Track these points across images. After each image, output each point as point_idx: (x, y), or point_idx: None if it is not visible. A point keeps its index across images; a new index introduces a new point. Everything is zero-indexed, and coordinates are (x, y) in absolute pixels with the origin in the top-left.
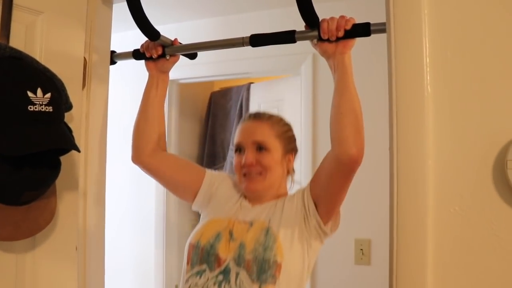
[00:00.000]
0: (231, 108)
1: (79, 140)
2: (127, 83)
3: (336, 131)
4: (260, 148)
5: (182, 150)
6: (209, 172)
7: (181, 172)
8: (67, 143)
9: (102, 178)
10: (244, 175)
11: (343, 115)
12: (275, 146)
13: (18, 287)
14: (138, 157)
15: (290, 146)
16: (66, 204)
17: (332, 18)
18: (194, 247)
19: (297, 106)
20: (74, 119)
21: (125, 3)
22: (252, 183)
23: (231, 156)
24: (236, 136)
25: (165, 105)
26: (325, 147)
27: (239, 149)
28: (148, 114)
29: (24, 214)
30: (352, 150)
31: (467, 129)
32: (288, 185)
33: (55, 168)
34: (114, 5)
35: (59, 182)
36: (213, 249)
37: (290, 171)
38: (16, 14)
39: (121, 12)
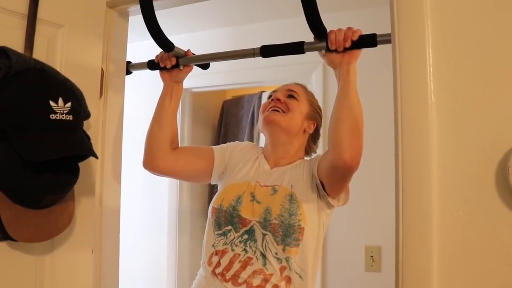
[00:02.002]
0: (243, 116)
1: (96, 147)
2: (142, 93)
3: (333, 135)
4: (291, 96)
5: None
6: (216, 149)
7: (191, 163)
8: (86, 149)
9: (117, 183)
10: (268, 110)
11: (341, 121)
12: (304, 103)
13: (38, 286)
14: (150, 163)
15: (315, 114)
16: (83, 208)
17: (339, 30)
18: (217, 210)
19: None
20: (91, 127)
21: (141, 15)
22: (273, 114)
23: None
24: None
25: (178, 113)
26: None
27: (271, 96)
28: (162, 121)
29: (45, 217)
30: (345, 155)
31: (469, 136)
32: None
33: (74, 173)
34: (130, 17)
35: (77, 187)
36: (236, 211)
37: (308, 140)
38: (39, 28)
39: (136, 23)
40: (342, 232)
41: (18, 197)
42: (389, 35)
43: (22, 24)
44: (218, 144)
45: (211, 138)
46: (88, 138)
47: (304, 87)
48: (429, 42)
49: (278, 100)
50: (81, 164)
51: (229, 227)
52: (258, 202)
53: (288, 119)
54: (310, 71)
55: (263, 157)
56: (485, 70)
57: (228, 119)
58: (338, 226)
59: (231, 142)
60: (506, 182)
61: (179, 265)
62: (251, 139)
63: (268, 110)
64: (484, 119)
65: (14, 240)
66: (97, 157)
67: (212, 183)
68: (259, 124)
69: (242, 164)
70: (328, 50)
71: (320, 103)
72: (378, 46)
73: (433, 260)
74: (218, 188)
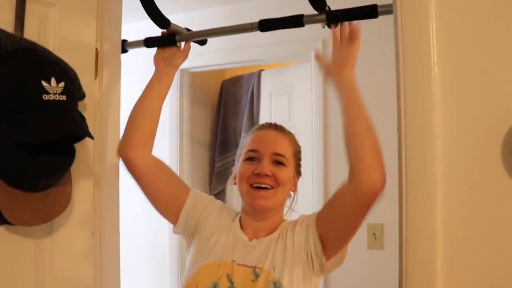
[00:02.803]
0: (242, 96)
1: (92, 128)
2: (139, 76)
3: (357, 161)
4: (278, 162)
5: (194, 138)
6: (193, 191)
7: (166, 180)
8: (81, 130)
9: (116, 166)
10: (253, 186)
11: (363, 144)
12: (291, 164)
13: (38, 270)
14: (125, 149)
15: (299, 168)
16: (81, 191)
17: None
18: None
19: (308, 92)
20: (87, 108)
21: None
22: (263, 199)
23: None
24: (250, 142)
25: (177, 93)
26: (336, 132)
27: (252, 157)
28: (144, 106)
29: (42, 200)
30: (376, 178)
31: (475, 109)
32: (285, 211)
33: (70, 155)
34: None
35: (74, 170)
36: None
37: (291, 195)
38: (29, 7)
39: (132, 3)
40: None
41: (14, 180)
42: (390, 5)
43: (12, 3)
44: (218, 125)
45: (211, 118)
46: (84, 118)
47: (287, 135)
48: (433, 12)
49: (267, 175)
50: (77, 146)
51: None
52: None
53: (278, 196)
54: (310, 48)
55: (238, 225)
56: (491, 41)
57: (227, 99)
58: None
59: (205, 195)
60: None
61: (181, 246)
62: (251, 118)
63: (253, 187)
64: (490, 91)
65: (11, 224)
66: (92, 138)
67: (175, 230)
68: (241, 192)
69: (216, 236)
70: (328, 24)
71: (321, 81)
72: (379, 17)
73: (438, 236)
74: (188, 256)
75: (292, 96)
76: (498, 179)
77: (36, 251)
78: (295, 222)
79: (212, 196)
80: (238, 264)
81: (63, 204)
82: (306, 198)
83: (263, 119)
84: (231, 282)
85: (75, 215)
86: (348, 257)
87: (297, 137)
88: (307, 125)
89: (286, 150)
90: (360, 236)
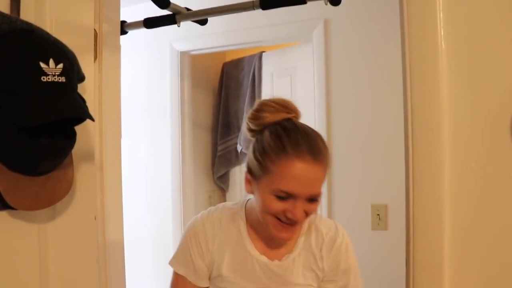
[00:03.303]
0: (243, 78)
1: (93, 111)
2: (140, 60)
3: None
4: (312, 199)
5: (196, 121)
6: (193, 275)
7: None
8: (81, 112)
9: (118, 149)
10: (280, 222)
11: None
12: (322, 192)
13: (42, 254)
14: None
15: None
16: (83, 175)
17: None
18: None
19: (310, 73)
20: (87, 91)
21: None
22: (289, 233)
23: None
24: (285, 178)
25: (177, 77)
26: (338, 112)
27: (285, 196)
28: None
29: (43, 185)
30: None
31: (482, 84)
32: None
33: (71, 138)
34: None
35: (75, 153)
36: None
37: None
38: None
39: None
40: (349, 191)
41: (14, 164)
42: None
43: None
44: (219, 108)
45: (212, 101)
46: (84, 101)
47: (325, 164)
48: None
49: (302, 220)
50: (78, 129)
51: None
52: None
53: (305, 222)
54: (311, 29)
55: (249, 241)
56: (499, 15)
57: (229, 81)
58: (344, 185)
59: (198, 235)
60: None
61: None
62: (253, 100)
63: (280, 222)
64: (497, 65)
65: (14, 209)
66: (93, 120)
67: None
68: (262, 219)
69: (237, 263)
70: (330, 1)
71: (323, 61)
72: None
73: (445, 213)
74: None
75: (294, 78)
76: (506, 154)
77: (40, 236)
78: (317, 238)
79: (200, 223)
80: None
81: (65, 188)
82: None
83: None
84: None
85: (77, 200)
86: (353, 238)
87: (300, 119)
88: (309, 106)
89: (322, 183)
90: (365, 217)
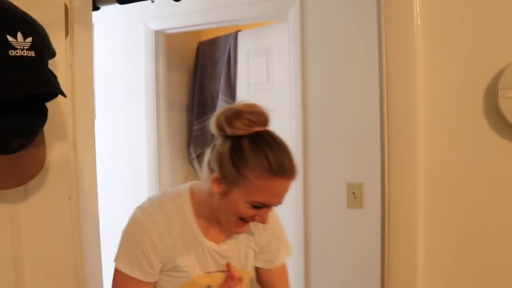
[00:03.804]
0: (219, 58)
1: (65, 88)
2: (115, 39)
3: None
4: None
5: (171, 101)
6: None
7: None
8: (53, 87)
9: (91, 128)
10: (243, 221)
11: None
12: None
13: (14, 234)
14: None
15: None
16: (56, 153)
17: None
18: None
19: (286, 52)
20: (58, 67)
21: None
22: (245, 228)
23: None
24: (268, 194)
25: (152, 56)
26: (314, 92)
27: (261, 206)
28: None
29: (14, 163)
30: None
31: (457, 59)
32: None
33: (42, 115)
34: None
35: (47, 131)
36: None
37: None
38: None
39: None
40: (324, 170)
41: None
42: None
43: None
44: (194, 88)
45: (187, 81)
46: (55, 77)
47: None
48: None
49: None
50: (49, 107)
51: None
52: None
53: None
54: (287, 7)
55: (198, 230)
56: None
57: (204, 61)
58: (319, 164)
59: (145, 236)
60: (495, 105)
61: None
62: (228, 80)
63: (240, 221)
64: (472, 41)
65: None
66: (65, 96)
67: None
68: (223, 218)
69: (184, 258)
70: None
71: (298, 40)
72: None
73: (420, 189)
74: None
75: (270, 57)
76: (480, 130)
77: (12, 216)
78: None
79: (148, 224)
80: (215, 272)
81: (37, 167)
82: None
83: (241, 80)
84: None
85: (50, 179)
86: (328, 216)
87: (276, 98)
88: (285, 85)
89: None
90: (340, 195)
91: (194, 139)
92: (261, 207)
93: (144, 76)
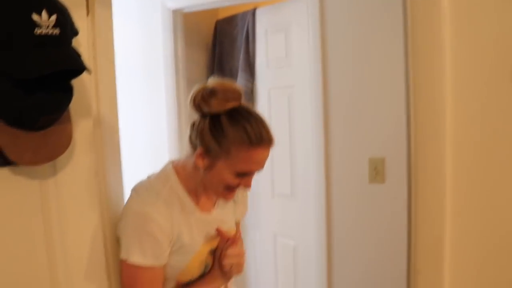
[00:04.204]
0: (237, 35)
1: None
2: (133, 19)
3: None
4: None
5: (190, 79)
6: (159, 258)
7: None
8: (78, 64)
9: (114, 105)
10: (230, 190)
11: None
12: None
13: (44, 209)
14: None
15: None
16: (82, 130)
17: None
18: (187, 282)
19: (305, 28)
20: (81, 45)
21: None
22: (233, 195)
23: (242, 81)
24: (249, 163)
25: (170, 35)
26: (334, 67)
27: (245, 174)
28: None
29: (42, 140)
30: None
31: (485, 29)
32: None
33: (68, 92)
34: None
35: (73, 108)
36: (206, 270)
37: None
38: None
39: None
40: (346, 145)
41: (12, 119)
42: None
43: None
44: (213, 66)
45: (206, 59)
46: (79, 55)
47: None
48: None
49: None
50: (74, 84)
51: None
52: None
53: None
54: None
55: (192, 206)
56: None
57: (222, 38)
58: (341, 139)
59: (153, 224)
60: None
61: None
62: (247, 57)
63: (228, 190)
64: (501, 10)
65: (15, 165)
66: (90, 72)
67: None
68: (212, 186)
69: (190, 232)
70: None
71: (318, 17)
72: None
73: (447, 161)
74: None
75: (289, 33)
76: (507, 101)
77: (42, 192)
78: None
79: (159, 204)
80: (211, 237)
81: (64, 143)
82: (305, 132)
83: (259, 57)
84: (212, 252)
85: (77, 155)
86: (350, 191)
87: (295, 74)
88: (304, 61)
89: None
90: (362, 170)
91: None
92: (245, 175)
93: (163, 55)
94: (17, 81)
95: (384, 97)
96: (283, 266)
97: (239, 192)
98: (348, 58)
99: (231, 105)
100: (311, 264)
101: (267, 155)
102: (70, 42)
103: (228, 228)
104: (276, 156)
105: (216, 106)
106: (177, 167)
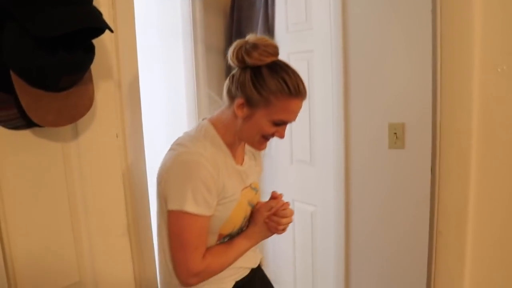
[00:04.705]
0: (255, 0)
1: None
2: None
3: None
4: None
5: (209, 44)
6: (208, 208)
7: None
8: (100, 22)
9: (135, 68)
10: (265, 139)
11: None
12: None
13: (67, 171)
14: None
15: None
16: (102, 91)
17: None
18: (228, 235)
19: None
20: (101, 6)
21: None
22: (266, 145)
23: None
24: (287, 112)
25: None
26: (355, 31)
27: (281, 123)
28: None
29: (65, 101)
30: None
31: None
32: None
33: (90, 51)
34: None
35: (94, 69)
36: (244, 222)
37: None
38: None
39: None
40: (365, 110)
41: (35, 79)
42: None
43: None
44: (232, 31)
45: (224, 24)
46: (100, 14)
47: None
48: None
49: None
50: (96, 45)
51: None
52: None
53: None
54: None
55: (231, 158)
56: None
57: (241, 3)
58: (361, 104)
59: (203, 168)
60: None
61: None
62: (266, 22)
63: (263, 138)
64: None
65: (38, 127)
66: (111, 31)
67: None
68: (247, 137)
69: (231, 181)
70: None
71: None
72: None
73: (473, 118)
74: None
75: (310, 2)
76: None
77: (64, 153)
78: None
79: (202, 164)
80: (245, 187)
81: (86, 104)
82: (325, 96)
83: (279, 21)
84: (250, 204)
85: (98, 117)
86: (370, 157)
87: (315, 38)
88: (324, 25)
89: None
90: (381, 136)
91: None
92: (281, 124)
93: (181, 20)
94: (39, 39)
95: (405, 63)
96: (301, 231)
97: (256, 154)
98: (370, 22)
99: (271, 58)
100: (329, 230)
101: (301, 107)
102: (92, 1)
103: (252, 181)
104: (295, 122)
105: (257, 58)
106: (213, 122)
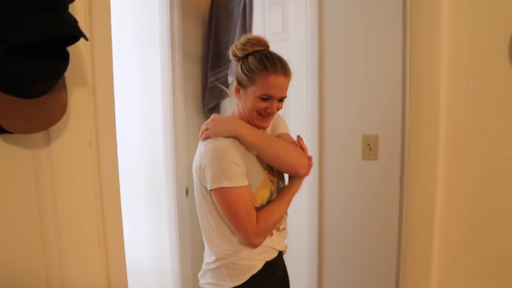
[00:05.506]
0: (234, 8)
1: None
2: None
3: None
4: (281, 100)
5: (186, 52)
6: (245, 180)
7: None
8: (75, 30)
9: (110, 75)
10: (262, 116)
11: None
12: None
13: (38, 179)
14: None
15: None
16: (76, 99)
17: None
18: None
19: (302, 3)
20: (77, 13)
21: None
22: (268, 122)
23: None
24: (265, 87)
25: (167, 7)
26: (330, 42)
27: (267, 98)
28: None
29: (37, 108)
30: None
31: (483, 4)
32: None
33: (64, 58)
34: None
35: (68, 76)
36: (272, 196)
37: None
38: None
39: None
40: (340, 121)
41: (7, 86)
42: None
43: None
44: (209, 39)
45: (202, 32)
46: (76, 21)
47: (290, 77)
48: None
49: (275, 112)
50: (70, 53)
51: None
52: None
53: (274, 116)
54: None
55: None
56: None
57: (219, 11)
58: (335, 115)
59: (231, 153)
60: None
61: (175, 150)
62: (244, 31)
63: (261, 116)
64: None
65: (8, 133)
66: (87, 39)
67: None
68: (249, 115)
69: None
70: None
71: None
72: None
73: (440, 134)
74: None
75: (286, 7)
76: (503, 74)
77: (35, 161)
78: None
79: (228, 148)
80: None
81: (59, 112)
82: (300, 106)
83: (256, 31)
84: (272, 181)
85: (71, 125)
86: (343, 168)
87: (292, 48)
88: (301, 35)
89: (287, 89)
90: (355, 147)
91: (209, 91)
92: (267, 99)
93: (159, 27)
94: (12, 45)
95: (378, 75)
96: None
97: (275, 126)
98: (345, 33)
99: (254, 47)
100: (302, 239)
101: (283, 82)
102: (67, 7)
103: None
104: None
105: (243, 48)
106: (237, 113)
